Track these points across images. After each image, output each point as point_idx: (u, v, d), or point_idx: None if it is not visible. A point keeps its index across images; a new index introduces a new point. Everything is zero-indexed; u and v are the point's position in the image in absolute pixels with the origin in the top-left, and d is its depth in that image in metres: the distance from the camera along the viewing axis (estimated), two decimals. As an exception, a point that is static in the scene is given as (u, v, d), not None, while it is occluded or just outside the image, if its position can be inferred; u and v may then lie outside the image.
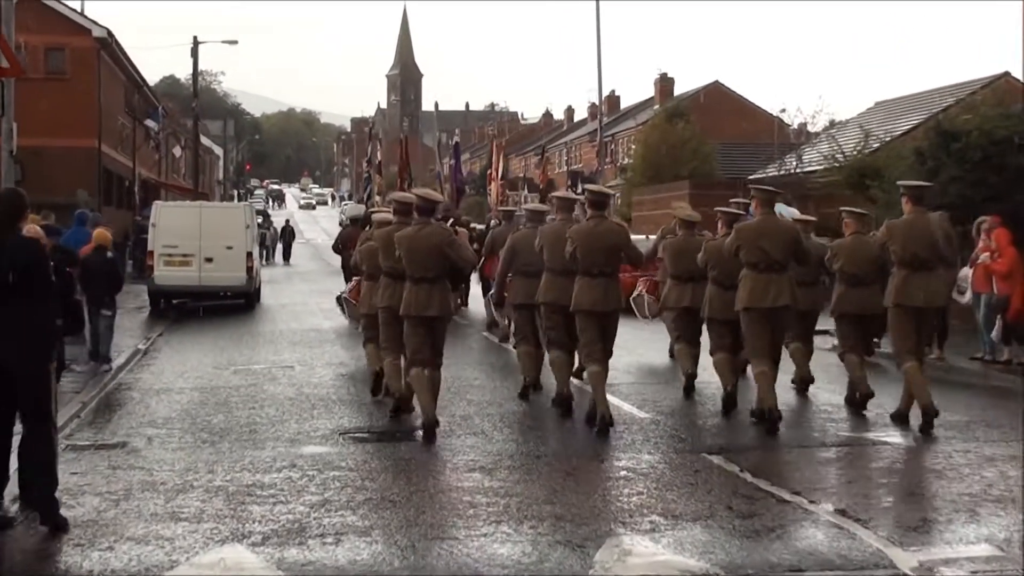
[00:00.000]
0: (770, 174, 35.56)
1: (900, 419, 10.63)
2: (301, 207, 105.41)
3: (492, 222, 20.72)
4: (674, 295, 12.59)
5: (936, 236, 10.56)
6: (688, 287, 12.36)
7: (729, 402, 11.09)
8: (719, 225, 11.96)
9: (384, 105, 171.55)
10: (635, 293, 15.44)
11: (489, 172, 31.80)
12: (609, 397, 11.66)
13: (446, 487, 7.98)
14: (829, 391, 12.45)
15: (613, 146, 61.52)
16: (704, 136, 44.95)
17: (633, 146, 53.15)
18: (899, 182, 11.74)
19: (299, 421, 10.61)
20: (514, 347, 12.63)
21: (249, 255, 22.95)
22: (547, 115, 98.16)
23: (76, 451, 9.19)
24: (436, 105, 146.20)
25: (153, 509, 7.29)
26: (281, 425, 10.39)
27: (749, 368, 11.44)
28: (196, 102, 47.79)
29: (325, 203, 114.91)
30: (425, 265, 10.09)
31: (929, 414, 10.22)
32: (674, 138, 43.84)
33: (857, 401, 11.44)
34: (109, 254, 14.95)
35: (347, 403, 11.73)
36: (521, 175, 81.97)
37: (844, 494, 7.76)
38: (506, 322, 14.81)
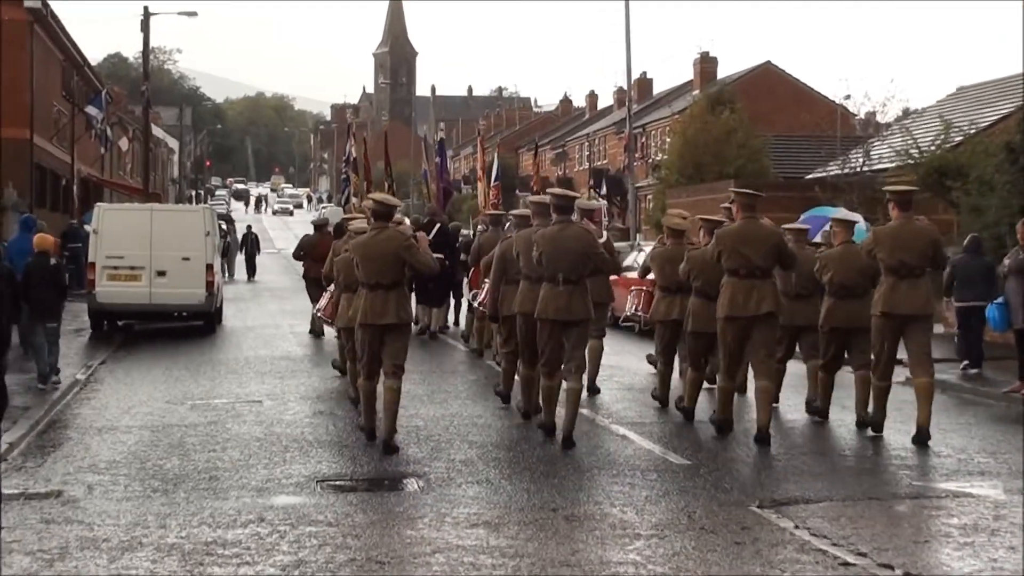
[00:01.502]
0: (831, 172, 35.65)
1: (869, 425, 12.54)
2: (276, 212, 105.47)
3: (479, 227, 21.21)
4: (662, 307, 13.97)
5: (924, 243, 12.03)
6: (677, 299, 13.67)
7: (688, 416, 13.06)
8: (701, 233, 13.35)
9: (370, 89, 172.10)
10: (628, 310, 16.41)
11: (480, 171, 32.10)
12: (637, 438, 11.76)
13: (444, 546, 7.99)
14: (903, 432, 12.46)
15: (644, 139, 61.76)
16: (753, 127, 45.09)
17: (668, 139, 53.34)
18: (885, 187, 13.40)
19: (268, 466, 10.66)
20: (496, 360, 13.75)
21: (209, 268, 23.00)
22: (565, 102, 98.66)
23: (2, 501, 9.20)
24: (432, 89, 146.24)
25: (94, 571, 7.31)
26: (247, 471, 10.43)
27: (751, 391, 12.84)
28: (147, 85, 48.05)
29: (300, 206, 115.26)
30: (381, 271, 11.34)
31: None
32: (717, 130, 44.04)
33: (812, 410, 13.44)
34: (53, 260, 15.66)
35: (326, 445, 11.78)
36: (535, 174, 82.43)
37: (919, 557, 7.78)
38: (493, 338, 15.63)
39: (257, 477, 10.16)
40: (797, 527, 8.46)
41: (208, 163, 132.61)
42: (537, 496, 9.43)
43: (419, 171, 33.69)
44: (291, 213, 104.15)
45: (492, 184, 30.25)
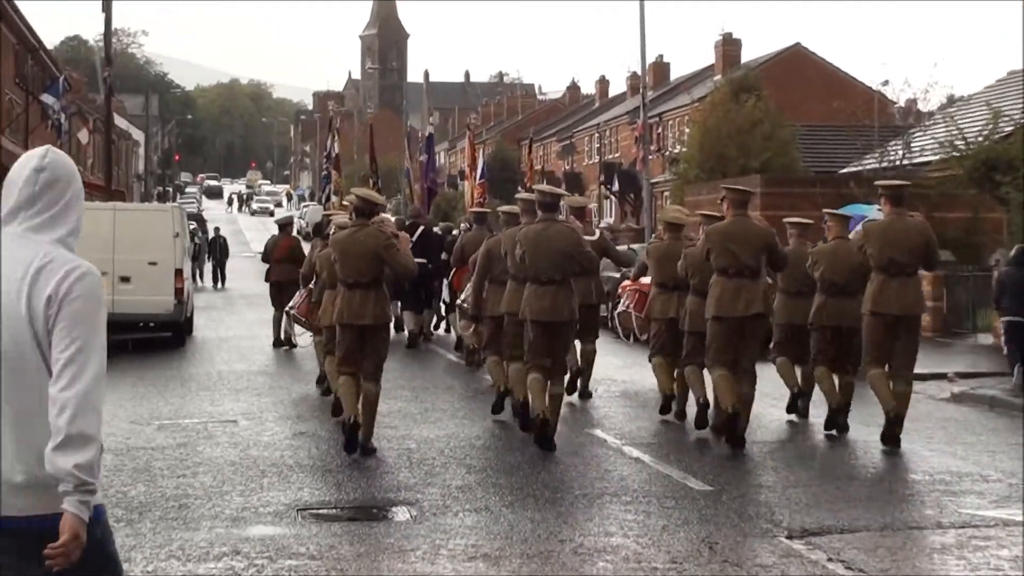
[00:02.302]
0: (868, 166, 35.70)
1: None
2: (255, 213, 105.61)
3: (463, 226, 22.11)
4: (658, 305, 14.70)
5: (915, 241, 12.70)
6: (674, 296, 14.37)
7: (701, 417, 13.48)
8: (700, 230, 13.90)
9: (357, 75, 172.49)
10: (620, 307, 17.18)
11: (467, 168, 32.43)
12: (652, 461, 11.80)
13: (438, 581, 8.01)
14: (945, 454, 12.46)
15: (661, 129, 61.87)
16: (781, 116, 45.09)
17: (687, 129, 53.38)
18: (877, 182, 14.22)
19: (244, 493, 10.68)
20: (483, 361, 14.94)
21: (179, 274, 23.03)
22: (573, 88, 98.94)
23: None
24: (426, 75, 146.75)
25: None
26: (220, 499, 10.44)
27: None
28: (109, 71, 48.07)
29: (280, 204, 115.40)
30: (359, 269, 12.13)
31: (892, 423, 12.63)
32: (741, 119, 44.00)
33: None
34: None
35: (308, 470, 11.80)
36: (539, 168, 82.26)
37: (966, 591, 7.77)
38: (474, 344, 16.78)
39: (231, 505, 10.15)
40: (831, 559, 8.47)
41: (177, 157, 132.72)
42: (542, 526, 9.44)
43: (415, 165, 33.71)
44: (271, 213, 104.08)
45: (478, 181, 30.61)
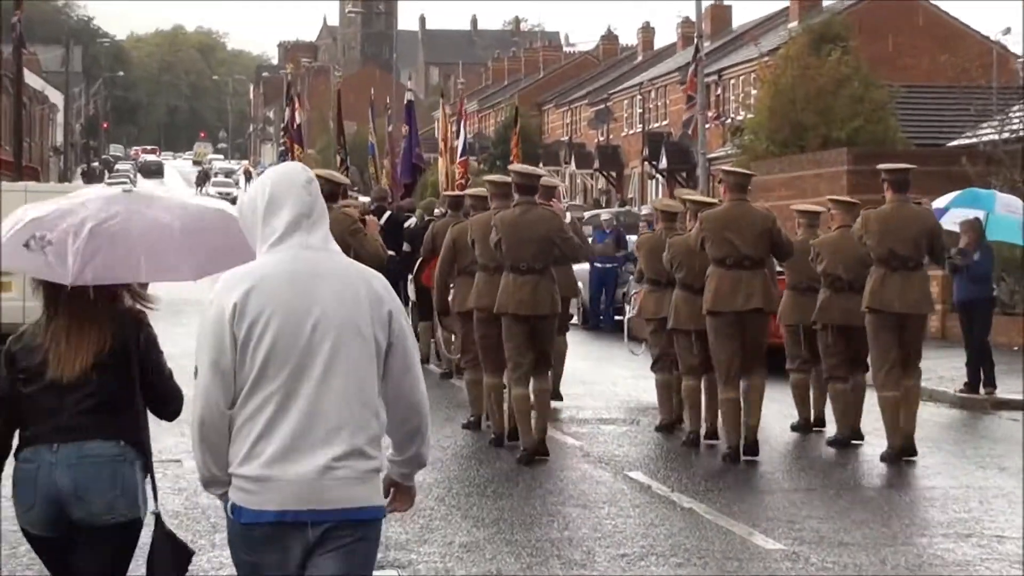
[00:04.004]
0: (985, 138, 35.54)
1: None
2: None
3: (436, 211, 22.83)
4: (651, 304, 16.08)
5: (918, 231, 14.05)
6: (668, 293, 15.42)
7: (694, 440, 14.99)
8: (688, 218, 15.31)
9: (334, 21, 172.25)
10: (630, 312, 18.65)
11: (442, 141, 32.23)
12: (706, 511, 11.82)
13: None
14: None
15: (720, 90, 61.78)
16: (874, 74, 44.89)
17: (754, 91, 53.17)
18: (880, 166, 15.19)
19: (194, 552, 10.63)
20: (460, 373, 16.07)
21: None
22: (609, 38, 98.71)
23: None
24: (422, 21, 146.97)
25: None
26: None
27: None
28: (19, 15, 48.20)
29: (237, 184, 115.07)
30: None
31: (896, 449, 14.04)
32: (823, 77, 43.60)
33: (846, 438, 15.10)
34: None
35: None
36: (565, 139, 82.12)
37: None
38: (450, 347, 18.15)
39: (175, 567, 10.13)
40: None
41: (105, 125, 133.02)
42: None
43: (401, 135, 33.37)
44: (234, 200, 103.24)
45: (459, 158, 30.47)
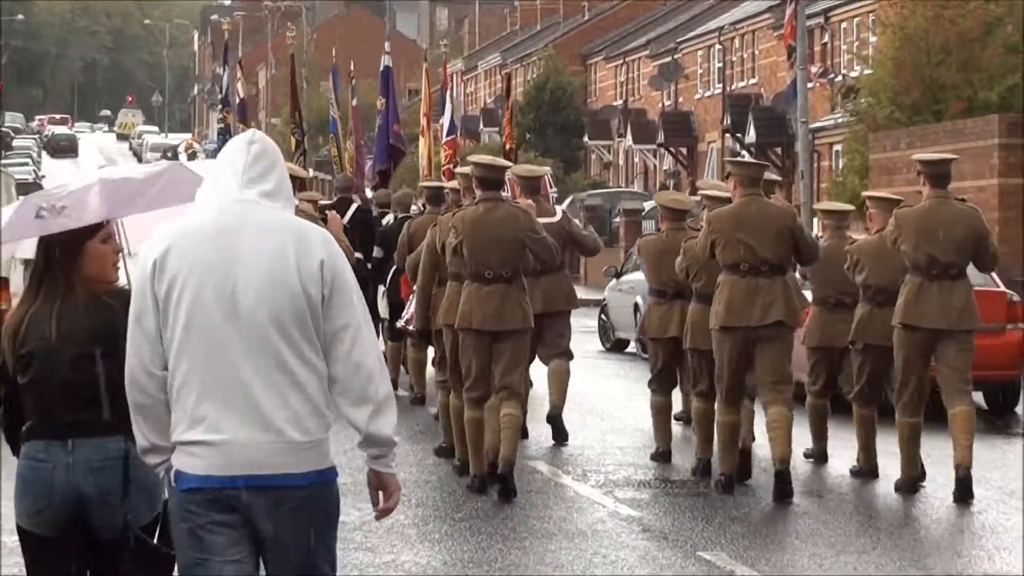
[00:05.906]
0: None
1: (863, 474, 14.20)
2: None
3: (413, 208, 21.07)
4: (655, 321, 15.01)
5: (962, 233, 12.96)
6: (675, 306, 14.61)
7: (705, 469, 13.98)
8: (704, 215, 14.17)
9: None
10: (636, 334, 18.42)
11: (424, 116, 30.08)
12: (741, 569, 11.16)
13: None
14: None
15: (827, 39, 54.05)
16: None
17: (873, 38, 47.69)
18: (915, 156, 14.32)
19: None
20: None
21: (4, 284, 20.76)
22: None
23: None
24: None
25: None
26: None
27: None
28: None
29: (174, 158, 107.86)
30: None
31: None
32: (965, 21, 38.36)
33: (863, 471, 14.27)
34: None
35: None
36: (619, 104, 72.61)
37: None
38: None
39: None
40: None
41: (0, 87, 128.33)
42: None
43: (377, 109, 30.47)
44: None
45: (447, 137, 28.22)
